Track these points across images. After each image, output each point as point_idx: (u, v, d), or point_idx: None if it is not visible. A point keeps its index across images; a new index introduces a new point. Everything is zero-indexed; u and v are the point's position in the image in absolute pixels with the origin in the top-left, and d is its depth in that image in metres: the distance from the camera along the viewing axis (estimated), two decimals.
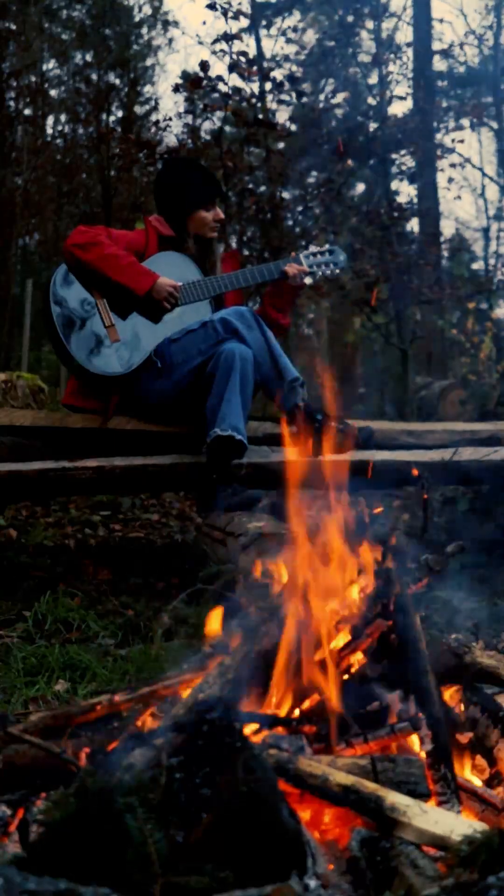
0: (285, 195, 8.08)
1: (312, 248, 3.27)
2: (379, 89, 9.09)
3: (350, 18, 8.08)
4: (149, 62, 17.05)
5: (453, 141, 9.42)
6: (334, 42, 8.22)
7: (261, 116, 7.24)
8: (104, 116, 15.47)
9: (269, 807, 0.95)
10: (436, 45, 12.28)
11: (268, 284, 3.28)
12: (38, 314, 3.19)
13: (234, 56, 6.91)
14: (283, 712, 1.31)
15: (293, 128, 8.02)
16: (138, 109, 16.28)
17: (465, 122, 10.10)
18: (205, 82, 6.82)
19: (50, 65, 15.42)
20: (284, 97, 8.00)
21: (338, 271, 3.30)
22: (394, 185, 9.80)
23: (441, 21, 23.28)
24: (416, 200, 11.01)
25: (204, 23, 18.37)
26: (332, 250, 3.28)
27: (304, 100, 7.95)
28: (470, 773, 1.33)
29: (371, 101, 9.00)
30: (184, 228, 3.20)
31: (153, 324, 3.04)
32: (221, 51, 6.97)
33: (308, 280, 3.21)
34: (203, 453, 2.84)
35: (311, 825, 1.08)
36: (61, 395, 3.71)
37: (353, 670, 1.36)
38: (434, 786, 1.16)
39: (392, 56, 8.94)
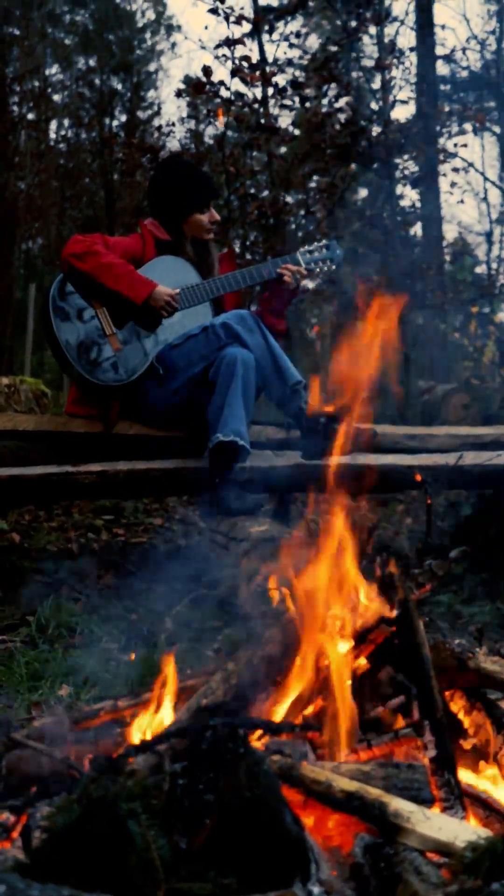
0: (288, 199, 8.07)
1: (308, 246, 3.26)
2: (382, 94, 9.11)
3: (353, 24, 8.07)
4: (152, 67, 17.14)
5: (456, 146, 9.43)
6: (337, 47, 8.21)
7: (263, 121, 7.24)
8: (107, 121, 15.54)
9: (273, 813, 0.95)
10: (439, 50, 12.30)
11: (265, 288, 3.27)
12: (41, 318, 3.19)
13: (237, 61, 6.92)
14: (286, 718, 1.31)
15: (297, 132, 8.02)
16: (141, 114, 16.35)
17: (468, 126, 10.09)
18: (207, 87, 6.83)
19: (53, 69, 15.52)
20: (287, 102, 8.00)
21: (334, 266, 3.27)
22: (396, 189, 9.81)
23: (443, 27, 23.37)
24: (418, 205, 11.02)
25: (206, 27, 18.38)
26: (328, 245, 3.25)
27: (308, 105, 7.95)
28: (474, 779, 1.32)
29: (374, 105, 9.01)
30: (180, 232, 3.19)
31: (152, 331, 3.04)
32: (224, 56, 6.98)
33: (309, 284, 3.21)
34: (205, 458, 2.84)
35: (315, 831, 1.08)
36: (64, 399, 3.71)
37: (356, 676, 1.36)
38: (438, 792, 1.16)
39: (395, 61, 8.95)
